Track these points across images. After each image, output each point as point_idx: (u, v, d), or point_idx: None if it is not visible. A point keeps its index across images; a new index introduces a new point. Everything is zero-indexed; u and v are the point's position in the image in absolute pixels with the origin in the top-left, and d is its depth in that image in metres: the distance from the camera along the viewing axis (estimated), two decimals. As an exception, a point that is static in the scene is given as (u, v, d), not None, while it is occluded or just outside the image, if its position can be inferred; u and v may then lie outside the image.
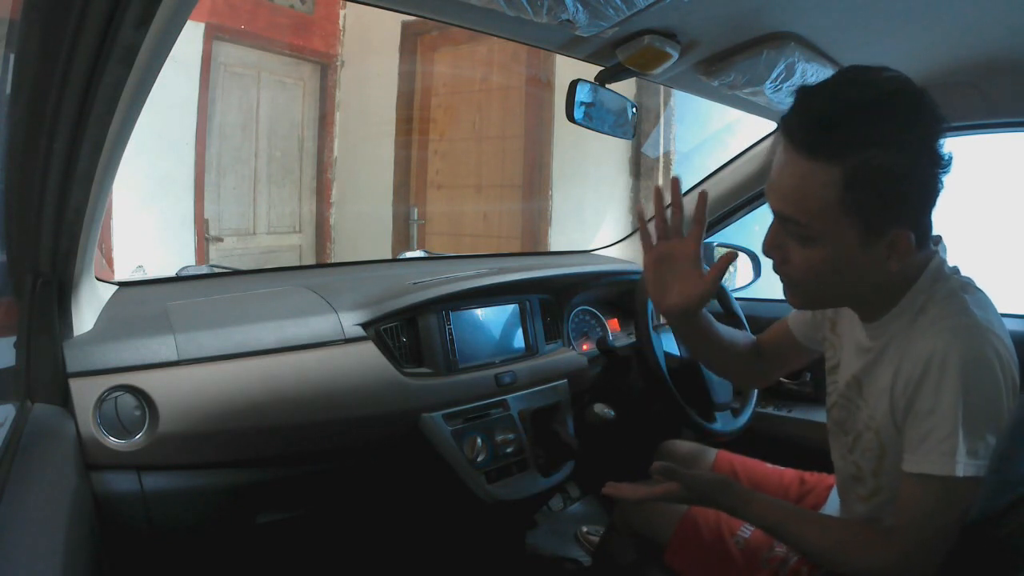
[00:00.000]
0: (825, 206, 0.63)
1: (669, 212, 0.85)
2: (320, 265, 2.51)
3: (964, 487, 0.63)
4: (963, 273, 0.73)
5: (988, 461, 0.64)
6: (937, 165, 0.63)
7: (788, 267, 0.71)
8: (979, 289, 0.71)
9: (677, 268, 0.85)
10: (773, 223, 0.71)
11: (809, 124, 0.63)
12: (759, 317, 1.46)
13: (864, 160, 0.60)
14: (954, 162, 0.64)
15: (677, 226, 0.85)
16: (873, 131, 0.60)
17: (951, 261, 0.74)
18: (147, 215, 2.85)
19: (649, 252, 0.86)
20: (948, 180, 0.65)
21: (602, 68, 1.08)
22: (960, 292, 0.69)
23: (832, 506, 0.94)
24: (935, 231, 0.72)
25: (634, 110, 1.22)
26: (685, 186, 1.73)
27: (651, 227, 0.86)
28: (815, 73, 1.04)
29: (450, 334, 1.14)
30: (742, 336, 0.99)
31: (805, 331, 0.92)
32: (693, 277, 0.84)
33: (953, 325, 0.66)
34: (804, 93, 0.64)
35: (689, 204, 0.90)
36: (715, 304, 1.49)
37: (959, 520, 0.65)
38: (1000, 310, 0.71)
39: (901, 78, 0.63)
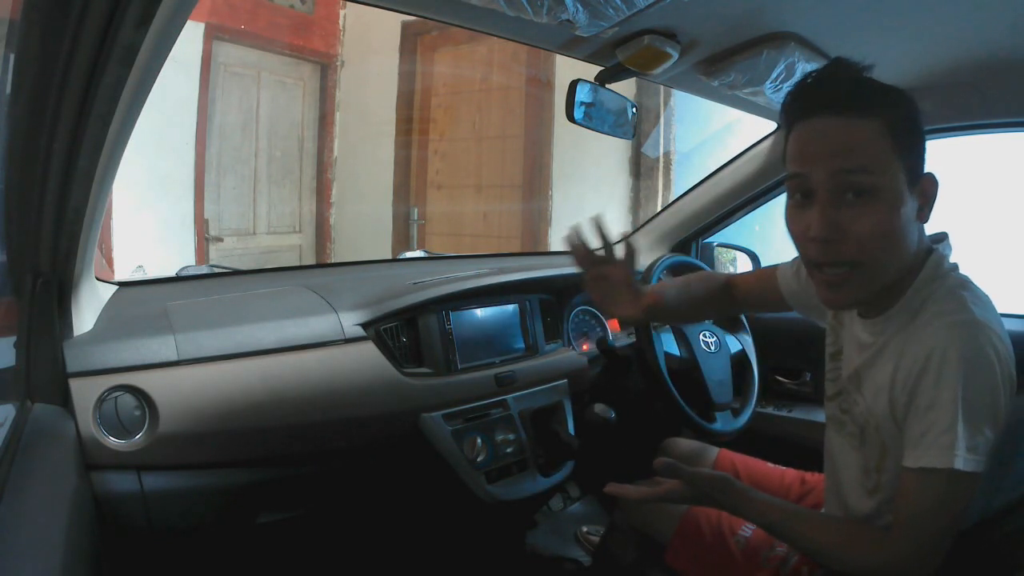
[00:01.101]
0: (885, 153, 0.66)
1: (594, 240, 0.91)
2: (320, 265, 2.51)
3: (964, 481, 0.64)
4: (961, 271, 0.73)
5: (986, 458, 0.64)
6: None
7: (847, 243, 0.66)
8: (976, 287, 0.71)
9: (614, 289, 0.92)
10: (820, 204, 0.67)
11: (846, 87, 0.68)
12: (759, 317, 1.47)
13: (894, 111, 0.67)
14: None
15: (608, 256, 0.91)
16: (890, 92, 0.68)
17: (952, 259, 0.74)
18: (147, 215, 2.85)
19: (586, 272, 0.92)
20: (947, 179, 0.70)
21: (602, 68, 1.08)
22: (959, 289, 0.69)
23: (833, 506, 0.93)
24: (941, 229, 0.74)
25: (634, 110, 1.22)
26: (685, 186, 1.75)
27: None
28: (815, 73, 1.04)
29: (450, 334, 1.14)
30: (702, 283, 1.04)
31: (796, 295, 0.92)
32: (627, 300, 0.92)
33: (952, 322, 0.66)
34: (828, 67, 0.72)
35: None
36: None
37: (959, 517, 0.65)
38: (1001, 310, 0.71)
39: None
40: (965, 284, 0.70)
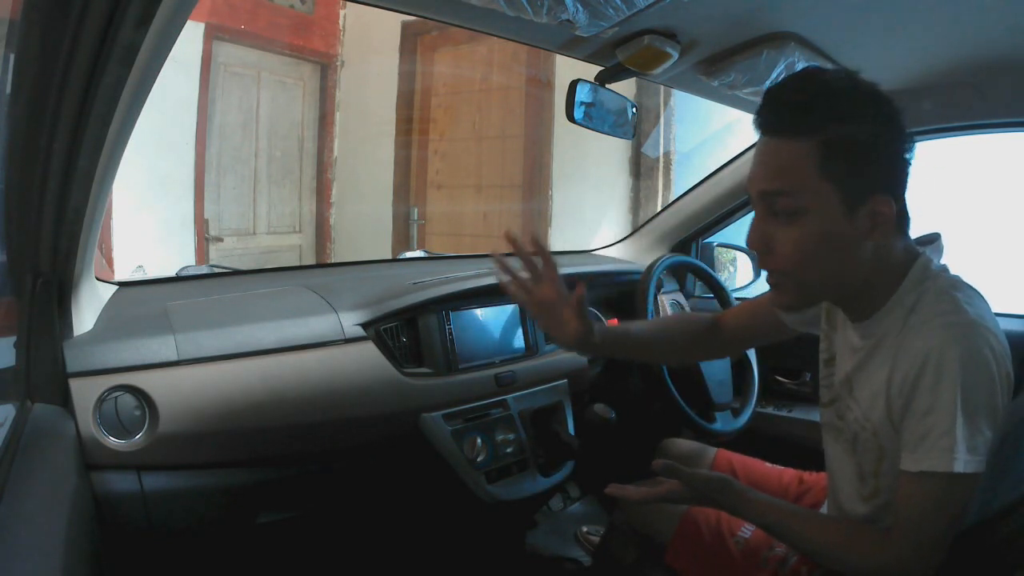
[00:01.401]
0: (806, 175, 0.66)
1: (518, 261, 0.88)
2: (320, 265, 2.51)
3: (964, 483, 0.64)
4: (952, 271, 0.73)
5: (985, 458, 0.64)
6: (901, 140, 0.68)
7: (775, 257, 0.71)
8: (969, 286, 0.71)
9: (551, 310, 0.87)
10: (755, 218, 0.72)
11: (781, 109, 0.68)
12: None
13: (834, 132, 0.65)
14: (913, 136, 0.69)
15: (534, 275, 0.87)
16: (837, 109, 0.66)
17: (946, 260, 0.74)
18: (147, 215, 2.85)
19: (524, 297, 0.88)
20: (948, 178, 0.67)
21: (602, 68, 1.08)
22: (951, 290, 0.69)
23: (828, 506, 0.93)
24: (933, 229, 0.74)
25: (634, 110, 1.22)
26: (685, 186, 1.75)
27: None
28: (815, 73, 1.04)
29: (450, 334, 1.14)
30: (681, 324, 1.02)
31: (793, 317, 0.91)
32: (566, 320, 0.86)
33: (947, 323, 0.66)
34: (771, 89, 0.71)
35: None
36: (715, 304, 1.49)
37: (958, 518, 0.65)
38: (1001, 310, 0.71)
39: (853, 74, 0.69)
40: (957, 284, 0.70)
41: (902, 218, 0.71)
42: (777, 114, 0.69)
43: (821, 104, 0.66)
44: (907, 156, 0.69)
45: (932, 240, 0.76)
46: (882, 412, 0.71)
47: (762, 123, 0.70)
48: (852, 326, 0.77)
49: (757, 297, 0.97)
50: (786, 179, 0.68)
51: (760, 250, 0.72)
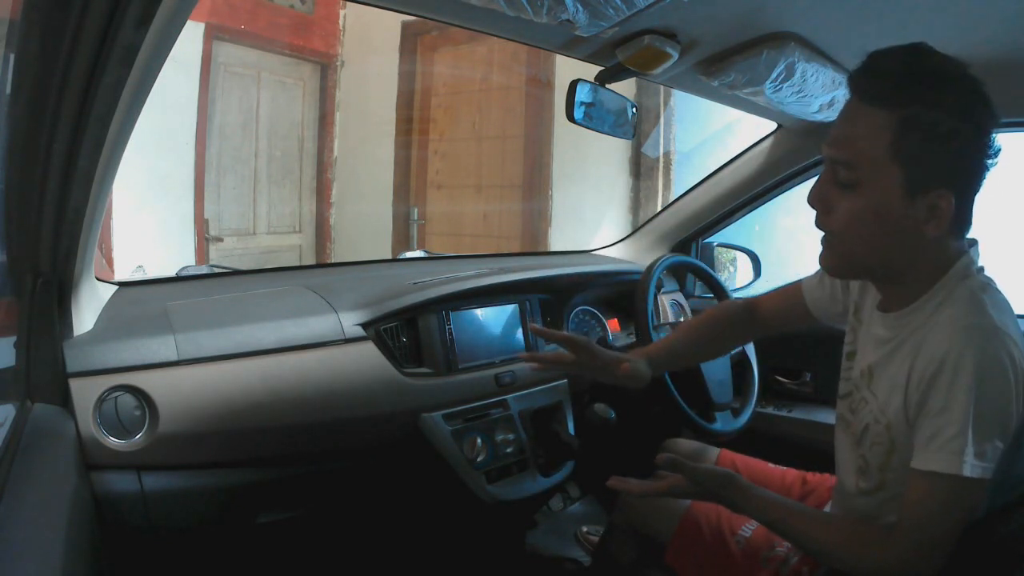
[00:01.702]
0: (876, 149, 0.66)
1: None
2: (320, 265, 2.51)
3: (970, 488, 0.64)
4: (987, 274, 0.72)
5: (995, 465, 0.64)
6: (986, 145, 0.67)
7: (830, 218, 0.71)
8: (999, 290, 0.71)
9: (588, 367, 0.92)
10: (821, 175, 0.72)
11: (876, 75, 0.67)
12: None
13: (920, 112, 0.64)
14: (1000, 155, 0.69)
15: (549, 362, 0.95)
16: (932, 92, 0.64)
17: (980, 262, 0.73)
18: (147, 215, 2.85)
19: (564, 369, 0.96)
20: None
21: (602, 68, 1.08)
22: (979, 293, 0.69)
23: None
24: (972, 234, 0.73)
25: (634, 110, 1.22)
26: (685, 186, 1.75)
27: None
28: (815, 73, 1.04)
29: (450, 334, 1.14)
30: (719, 318, 1.03)
31: (820, 302, 0.91)
32: (602, 368, 0.91)
33: (968, 325, 0.66)
34: (875, 53, 0.68)
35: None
36: (715, 304, 1.49)
37: (963, 522, 0.65)
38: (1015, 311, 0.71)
39: (965, 65, 0.67)
40: (986, 287, 0.70)
41: (962, 218, 0.70)
42: (871, 78, 0.67)
43: (916, 82, 0.65)
44: (985, 160, 0.68)
45: (969, 246, 0.74)
46: (899, 406, 0.71)
47: (853, 83, 0.69)
48: (880, 318, 0.77)
49: (791, 284, 0.97)
50: (855, 149, 0.67)
51: (819, 209, 0.72)
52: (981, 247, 0.74)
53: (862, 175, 0.67)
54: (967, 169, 0.67)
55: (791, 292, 0.96)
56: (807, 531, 0.74)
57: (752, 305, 1.01)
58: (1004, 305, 0.69)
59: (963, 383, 0.63)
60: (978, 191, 0.69)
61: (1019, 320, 0.70)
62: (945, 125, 0.64)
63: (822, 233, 0.73)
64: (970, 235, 0.73)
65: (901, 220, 0.67)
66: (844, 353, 0.85)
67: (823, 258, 0.75)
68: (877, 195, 0.67)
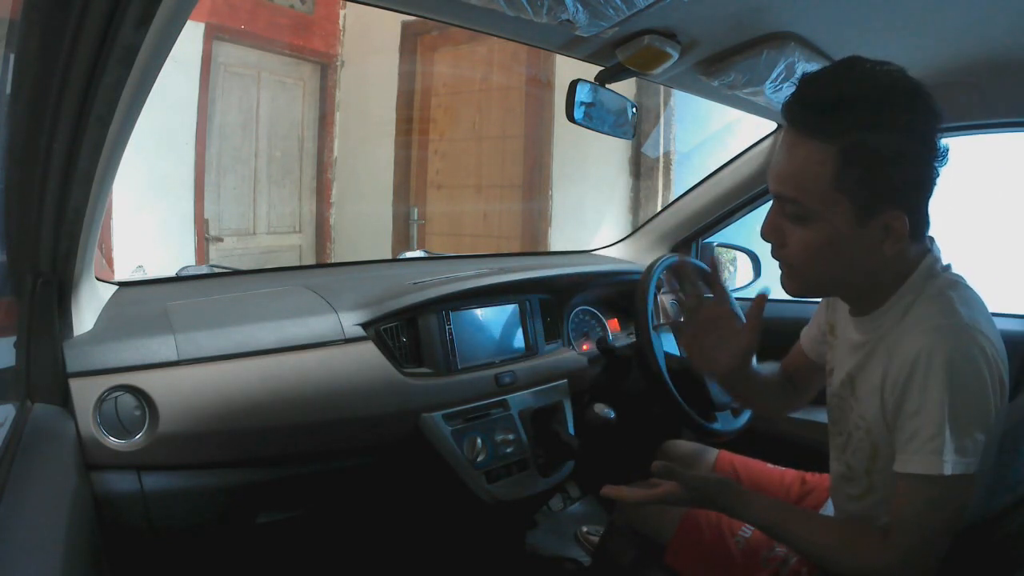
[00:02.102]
0: (820, 183, 0.65)
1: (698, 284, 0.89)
2: (320, 265, 2.51)
3: (955, 485, 0.64)
4: (954, 271, 0.73)
5: (979, 458, 0.64)
6: (932, 155, 0.66)
7: (785, 250, 0.72)
8: (968, 286, 0.71)
9: (718, 331, 0.86)
10: (771, 207, 0.72)
11: (808, 106, 0.66)
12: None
13: (859, 140, 0.63)
14: (949, 155, 0.67)
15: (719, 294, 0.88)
16: (869, 115, 0.63)
17: (945, 260, 0.74)
18: (147, 215, 2.85)
19: (687, 331, 0.87)
20: (946, 178, 0.67)
21: (602, 68, 1.08)
22: (947, 290, 0.69)
23: (832, 507, 0.94)
24: (942, 228, 0.73)
25: (634, 110, 1.22)
26: (685, 186, 1.75)
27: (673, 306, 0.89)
28: (815, 73, 1.04)
29: (450, 334, 1.14)
30: (771, 368, 0.99)
31: (815, 347, 0.92)
32: (734, 334, 0.86)
33: (938, 325, 0.66)
34: (805, 79, 0.68)
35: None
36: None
37: (955, 518, 0.65)
38: (1001, 310, 0.71)
39: (899, 71, 0.65)
40: (954, 284, 0.70)
41: (918, 228, 0.69)
42: (804, 109, 0.66)
43: (850, 107, 0.63)
44: (934, 168, 0.67)
45: (928, 243, 0.75)
46: (877, 410, 0.71)
47: (788, 114, 0.68)
48: (854, 322, 0.77)
49: (798, 343, 0.97)
50: (799, 185, 0.67)
51: (773, 241, 0.73)
52: (980, 247, 0.74)
53: (811, 208, 0.67)
54: (916, 184, 0.67)
55: (797, 351, 0.97)
56: (803, 535, 0.74)
57: (783, 370, 0.99)
58: (974, 301, 0.69)
59: (936, 383, 0.64)
60: (931, 197, 0.69)
61: (992, 316, 0.70)
62: (888, 148, 0.63)
63: None
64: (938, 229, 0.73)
65: (856, 245, 0.68)
66: (826, 372, 0.86)
67: (785, 283, 0.76)
68: (828, 227, 0.67)
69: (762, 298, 0.81)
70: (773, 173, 0.70)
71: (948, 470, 0.63)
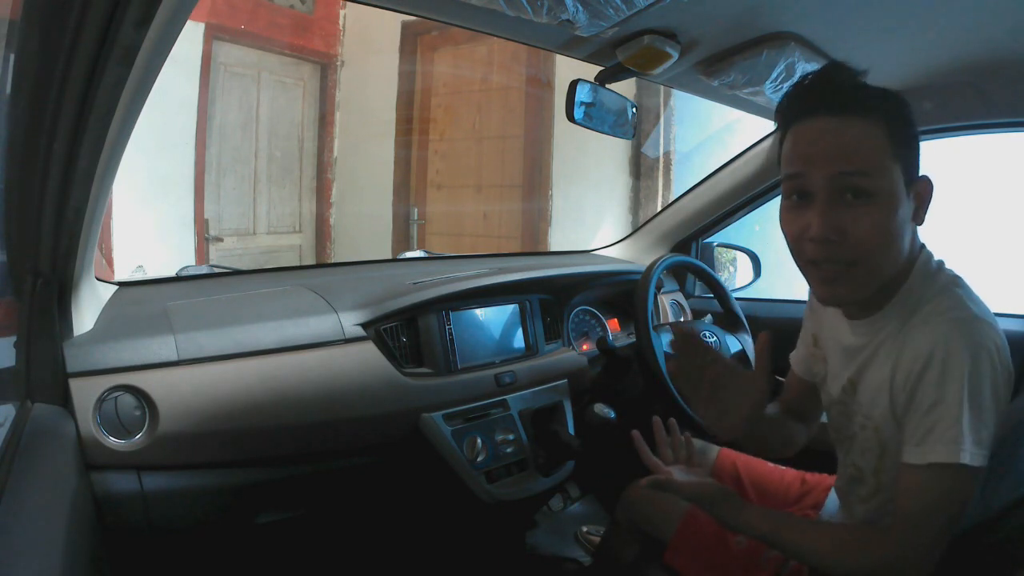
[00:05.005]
0: (881, 154, 0.66)
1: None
2: (320, 265, 2.51)
3: (968, 476, 0.64)
4: (951, 269, 0.73)
5: (988, 451, 0.64)
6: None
7: (846, 243, 0.66)
8: (967, 284, 0.72)
9: (728, 386, 0.78)
10: (822, 205, 0.67)
11: (843, 86, 0.68)
12: (759, 317, 1.47)
13: (892, 113, 0.67)
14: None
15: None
16: (883, 94, 0.68)
17: (938, 257, 0.75)
18: (147, 215, 2.85)
19: (703, 397, 0.79)
20: (947, 178, 0.70)
21: (602, 68, 1.08)
22: (952, 287, 0.70)
23: (831, 506, 0.94)
24: (941, 229, 0.74)
25: (634, 110, 1.22)
26: (685, 186, 1.75)
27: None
28: (815, 73, 1.04)
29: (450, 334, 1.14)
30: (772, 409, 0.96)
31: (802, 363, 0.92)
32: (742, 383, 0.77)
33: (953, 319, 0.66)
34: (825, 68, 0.72)
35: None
36: (715, 304, 1.49)
37: (959, 514, 0.65)
38: (1000, 310, 0.72)
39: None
40: (957, 281, 0.71)
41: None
42: (840, 92, 0.67)
43: (873, 88, 0.68)
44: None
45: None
46: (885, 408, 0.71)
47: (820, 102, 0.67)
48: (849, 326, 0.77)
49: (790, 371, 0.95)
50: (863, 158, 0.65)
51: (833, 238, 0.66)
52: (980, 247, 0.75)
53: (876, 184, 0.66)
54: (919, 157, 0.71)
55: (792, 379, 0.95)
56: (801, 541, 0.74)
57: (783, 405, 0.97)
58: (977, 297, 0.70)
59: (955, 374, 0.64)
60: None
61: (1005, 318, 0.70)
62: (910, 122, 0.68)
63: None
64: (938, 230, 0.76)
65: (905, 217, 0.68)
66: (818, 383, 0.86)
67: (832, 292, 0.70)
68: (892, 199, 0.66)
69: (764, 338, 0.76)
70: (823, 157, 0.66)
71: (967, 459, 0.63)
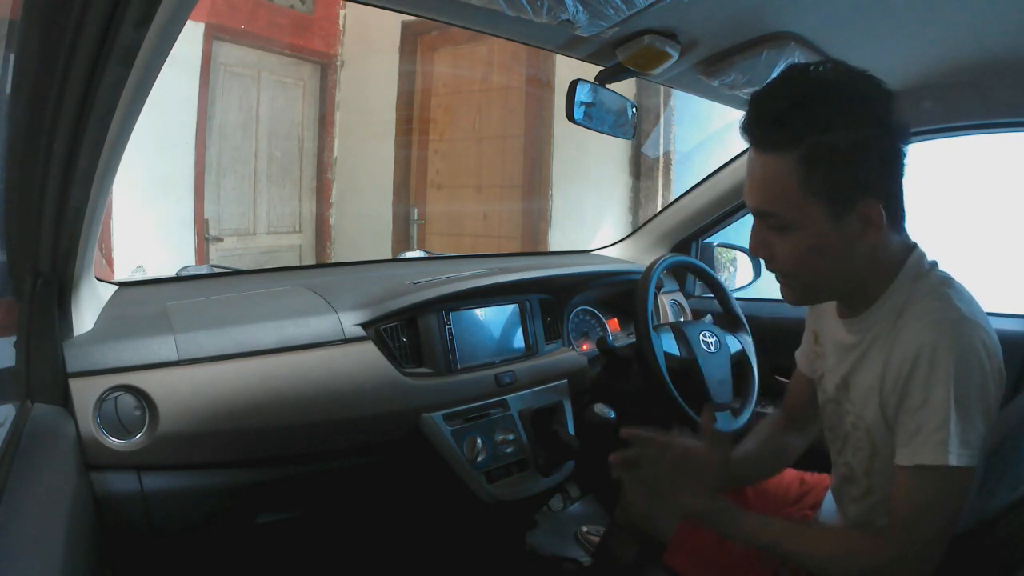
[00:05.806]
0: (791, 193, 0.67)
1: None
2: (320, 265, 2.51)
3: (958, 477, 0.64)
4: (943, 270, 0.74)
5: (979, 451, 0.64)
6: (892, 135, 0.67)
7: (776, 263, 0.74)
8: (959, 283, 0.72)
9: (688, 466, 0.80)
10: (754, 225, 0.74)
11: (762, 121, 0.69)
12: (759, 317, 1.47)
13: (816, 143, 0.65)
14: (909, 130, 0.68)
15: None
16: (819, 117, 0.65)
17: (931, 258, 0.75)
18: (147, 215, 2.85)
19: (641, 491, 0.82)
20: (946, 178, 0.68)
21: (602, 68, 1.08)
22: (942, 287, 0.70)
23: (829, 507, 0.94)
24: (939, 228, 0.73)
25: (634, 110, 1.22)
26: (685, 186, 1.75)
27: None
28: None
29: (450, 334, 1.14)
30: (766, 431, 0.98)
31: (810, 365, 0.91)
32: (707, 457, 0.80)
33: (940, 319, 0.67)
34: (755, 97, 0.70)
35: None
36: (715, 304, 1.49)
37: (955, 514, 0.65)
38: (998, 310, 0.72)
39: (836, 64, 0.68)
40: (948, 282, 0.71)
41: (895, 215, 0.71)
42: (759, 127, 0.69)
43: (801, 113, 0.66)
44: (900, 152, 0.68)
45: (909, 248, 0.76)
46: (875, 409, 0.71)
47: (746, 134, 0.71)
48: (842, 324, 0.78)
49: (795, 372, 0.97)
50: (771, 198, 0.69)
51: (762, 255, 0.74)
52: (980, 247, 0.75)
53: (789, 218, 0.69)
54: (883, 169, 0.68)
55: (797, 379, 0.96)
56: (799, 548, 0.74)
57: (788, 411, 0.97)
58: (969, 297, 0.70)
59: (941, 375, 0.64)
60: (903, 180, 0.70)
61: (1002, 318, 0.70)
62: (845, 142, 0.65)
63: None
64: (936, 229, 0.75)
65: (839, 243, 0.69)
66: (815, 380, 0.86)
67: (785, 295, 0.77)
68: (810, 231, 0.69)
69: (708, 409, 0.83)
70: (747, 192, 0.72)
71: (953, 460, 0.63)
